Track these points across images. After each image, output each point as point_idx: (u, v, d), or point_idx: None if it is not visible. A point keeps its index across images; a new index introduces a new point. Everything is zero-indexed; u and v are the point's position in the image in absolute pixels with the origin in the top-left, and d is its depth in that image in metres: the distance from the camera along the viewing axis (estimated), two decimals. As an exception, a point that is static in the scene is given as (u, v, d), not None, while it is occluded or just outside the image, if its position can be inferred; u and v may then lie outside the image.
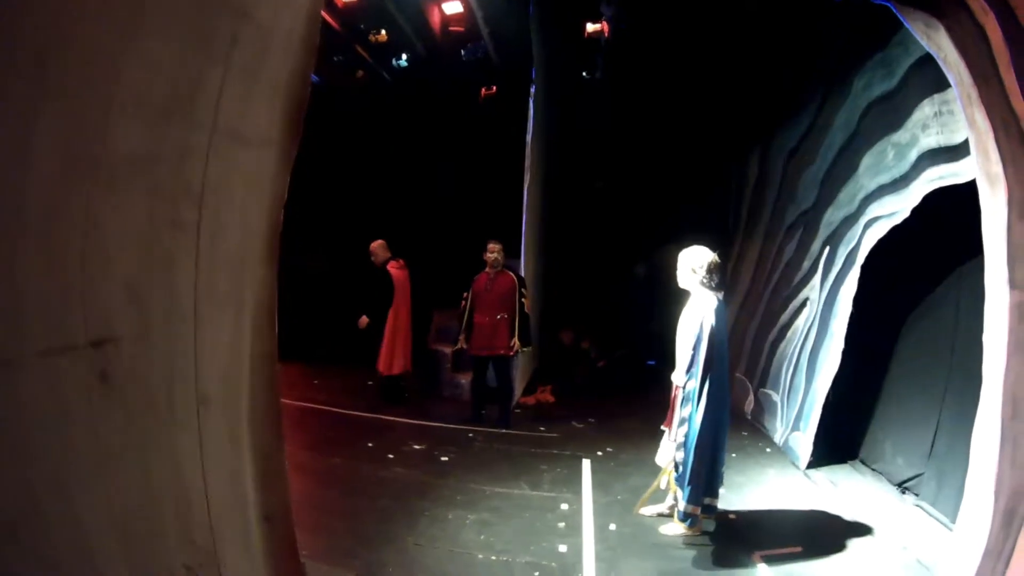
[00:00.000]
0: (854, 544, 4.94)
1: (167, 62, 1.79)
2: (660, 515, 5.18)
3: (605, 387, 10.12)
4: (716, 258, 4.84)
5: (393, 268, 8.32)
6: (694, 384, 4.64)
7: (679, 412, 4.73)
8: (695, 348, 4.66)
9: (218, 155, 1.96)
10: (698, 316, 4.70)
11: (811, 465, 6.46)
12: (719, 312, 4.71)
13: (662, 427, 5.10)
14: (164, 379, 1.85)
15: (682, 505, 4.77)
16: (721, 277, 4.86)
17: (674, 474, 4.84)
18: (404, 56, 10.41)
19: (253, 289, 2.11)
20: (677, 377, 4.86)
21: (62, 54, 1.50)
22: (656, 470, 5.20)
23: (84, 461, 1.65)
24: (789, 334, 7.67)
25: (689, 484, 4.68)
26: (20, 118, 1.43)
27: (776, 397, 7.70)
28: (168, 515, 1.91)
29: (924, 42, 4.08)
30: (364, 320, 8.22)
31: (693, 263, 4.83)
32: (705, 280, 4.79)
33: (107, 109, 1.62)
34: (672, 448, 4.78)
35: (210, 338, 1.96)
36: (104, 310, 1.67)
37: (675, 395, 4.90)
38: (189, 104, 1.87)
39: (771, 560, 4.65)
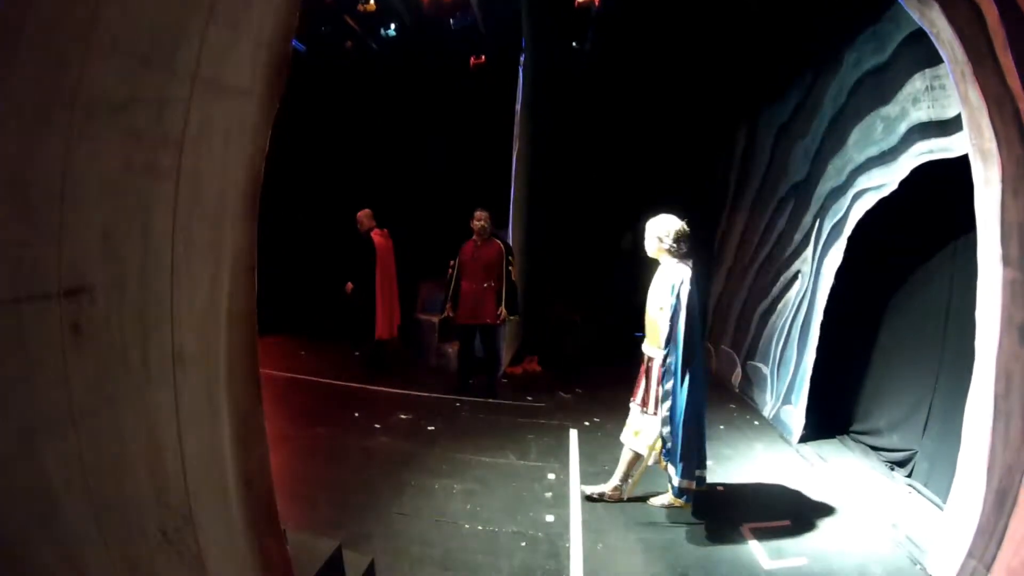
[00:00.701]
0: (844, 520, 4.97)
1: (148, 7, 1.73)
2: (601, 495, 5.11)
3: (592, 358, 10.11)
4: (684, 226, 4.74)
5: (376, 236, 8.31)
6: (674, 357, 4.57)
7: (661, 386, 4.62)
8: (673, 320, 4.57)
9: (198, 104, 1.90)
10: (672, 286, 4.61)
11: (803, 439, 6.50)
12: (693, 282, 4.64)
13: (631, 401, 5.03)
14: (139, 333, 1.79)
15: (676, 480, 4.65)
16: (689, 246, 4.76)
17: (663, 450, 4.74)
18: (392, 26, 10.28)
19: (233, 243, 2.05)
20: (650, 349, 4.80)
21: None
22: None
23: (53, 417, 1.59)
24: (780, 307, 7.66)
25: (682, 460, 4.60)
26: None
27: (766, 370, 7.72)
28: (142, 476, 1.85)
29: (917, 18, 4.04)
30: (350, 286, 8.23)
31: (659, 231, 4.75)
32: (672, 248, 4.71)
33: (86, 51, 1.55)
34: (658, 424, 4.67)
35: (187, 292, 1.90)
36: (79, 258, 1.61)
37: (646, 367, 4.84)
38: (170, 51, 1.81)
39: (759, 533, 4.67)
